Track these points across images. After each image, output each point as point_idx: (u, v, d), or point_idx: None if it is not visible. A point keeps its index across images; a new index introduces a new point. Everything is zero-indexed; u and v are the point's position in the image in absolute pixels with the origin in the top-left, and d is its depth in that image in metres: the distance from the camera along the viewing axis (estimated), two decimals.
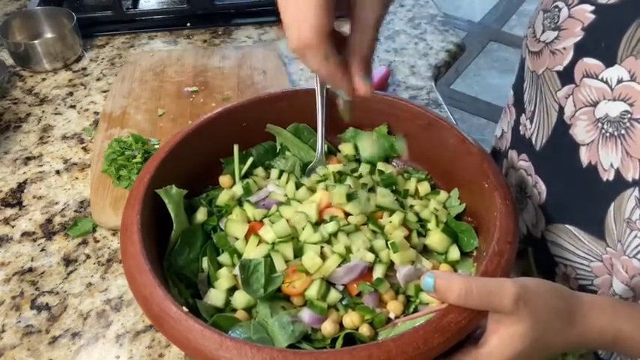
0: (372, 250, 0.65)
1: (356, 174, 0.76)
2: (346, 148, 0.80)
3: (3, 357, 0.70)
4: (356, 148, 0.80)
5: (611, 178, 0.61)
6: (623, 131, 0.59)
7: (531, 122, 0.72)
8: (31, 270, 0.80)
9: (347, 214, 0.68)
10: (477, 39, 3.20)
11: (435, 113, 0.75)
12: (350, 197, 0.68)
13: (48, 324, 0.73)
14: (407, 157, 0.79)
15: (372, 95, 0.56)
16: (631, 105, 0.58)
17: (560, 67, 0.64)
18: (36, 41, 1.12)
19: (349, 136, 0.81)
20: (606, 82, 0.60)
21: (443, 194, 0.74)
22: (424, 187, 0.75)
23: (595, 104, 0.61)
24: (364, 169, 0.77)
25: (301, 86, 1.08)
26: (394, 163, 0.80)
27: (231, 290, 0.64)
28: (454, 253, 0.68)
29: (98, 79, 1.13)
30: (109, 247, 0.82)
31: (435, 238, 0.68)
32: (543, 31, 0.67)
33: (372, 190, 0.73)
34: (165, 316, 0.54)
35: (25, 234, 0.84)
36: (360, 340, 0.59)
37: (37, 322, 0.74)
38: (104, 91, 1.10)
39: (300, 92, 0.80)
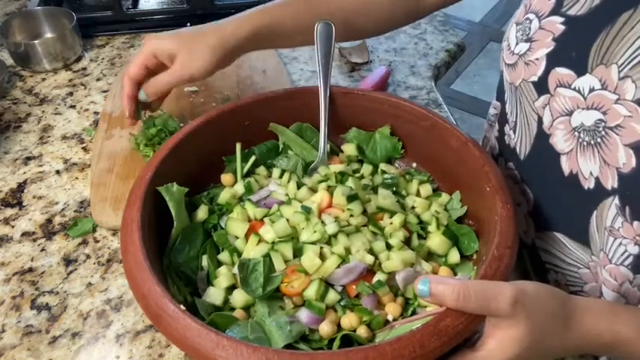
0: (371, 251, 0.65)
1: (358, 175, 0.76)
2: (348, 149, 0.80)
3: (3, 357, 0.70)
4: (359, 148, 0.80)
5: (591, 186, 0.62)
6: (599, 140, 0.59)
7: (514, 132, 0.72)
8: (31, 270, 0.80)
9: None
10: (477, 39, 3.20)
11: (437, 114, 0.75)
12: (351, 198, 0.68)
13: (48, 324, 0.73)
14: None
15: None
16: (604, 113, 0.58)
17: (535, 78, 0.65)
18: (36, 41, 1.12)
19: (352, 136, 0.81)
20: (579, 91, 0.60)
21: (444, 196, 0.74)
22: (426, 189, 0.75)
23: (570, 113, 0.62)
24: (366, 169, 0.77)
25: (301, 86, 1.08)
26: (396, 165, 0.80)
27: (230, 289, 0.64)
28: (454, 256, 0.68)
29: (98, 79, 1.13)
30: (109, 247, 0.82)
31: (436, 241, 0.68)
32: (517, 44, 0.68)
33: (373, 191, 0.73)
34: (163, 313, 0.54)
35: (25, 234, 0.84)
36: (358, 341, 0.59)
37: (37, 322, 0.74)
38: (104, 91, 1.10)
39: (303, 91, 0.80)
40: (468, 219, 0.72)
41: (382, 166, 0.78)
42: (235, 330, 0.58)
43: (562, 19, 0.63)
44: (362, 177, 0.76)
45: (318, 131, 0.78)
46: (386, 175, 0.76)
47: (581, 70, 0.60)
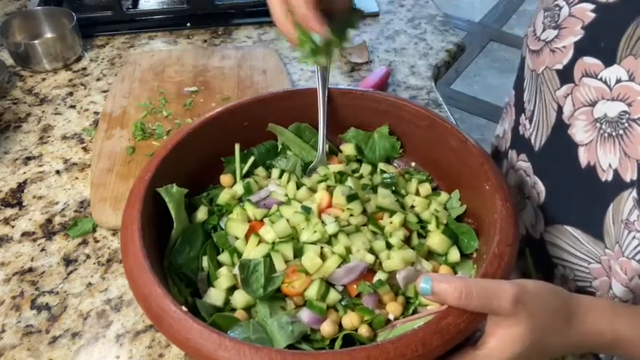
0: (371, 251, 0.65)
1: (357, 174, 0.76)
2: (347, 148, 0.80)
3: (3, 357, 0.70)
4: (357, 148, 0.80)
5: (609, 178, 0.61)
6: (621, 131, 0.59)
7: (530, 122, 0.71)
8: (31, 270, 0.80)
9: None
10: (477, 39, 3.20)
11: (436, 114, 0.75)
12: (351, 198, 0.68)
13: (48, 324, 0.73)
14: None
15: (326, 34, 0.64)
16: (629, 105, 0.58)
17: (559, 66, 0.64)
18: (36, 41, 1.12)
19: (350, 136, 0.81)
20: (605, 82, 0.60)
21: (444, 195, 0.74)
22: (425, 189, 0.75)
23: (594, 104, 0.61)
24: (365, 169, 0.77)
25: (302, 86, 1.08)
26: (395, 164, 0.80)
27: (231, 289, 0.64)
28: (454, 255, 0.68)
29: (98, 79, 1.13)
30: (109, 247, 0.82)
31: (436, 240, 0.68)
32: (544, 30, 0.67)
33: (373, 190, 0.73)
34: (165, 315, 0.54)
35: (25, 234, 0.84)
36: (359, 341, 0.59)
37: (37, 322, 0.74)
38: (104, 91, 1.10)
39: (301, 92, 0.80)
40: (468, 217, 0.72)
41: (381, 165, 0.78)
42: (237, 331, 0.58)
43: (593, 7, 0.61)
44: (361, 177, 0.76)
45: (317, 131, 0.78)
46: (385, 175, 0.76)
47: (609, 61, 0.59)
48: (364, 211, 0.69)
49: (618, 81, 0.58)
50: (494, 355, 0.52)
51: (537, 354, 0.53)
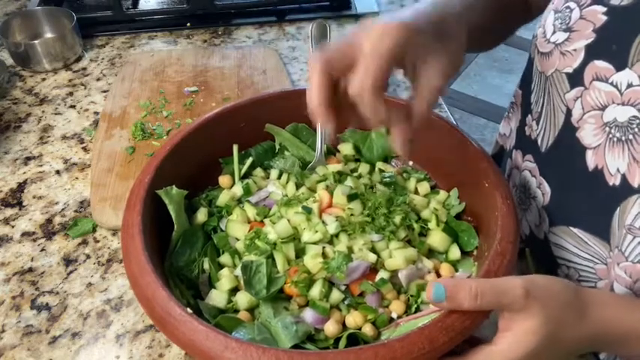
0: (373, 250, 0.65)
1: (355, 174, 0.76)
2: (345, 148, 0.80)
3: (3, 357, 0.70)
4: (355, 147, 0.80)
5: (617, 183, 0.61)
6: (630, 136, 0.58)
7: (537, 123, 0.71)
8: (31, 270, 0.79)
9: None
10: None
11: (435, 113, 0.75)
12: (351, 197, 0.68)
13: (48, 324, 0.73)
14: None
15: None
16: None
17: (569, 69, 0.63)
18: (36, 41, 1.11)
19: (348, 135, 0.81)
20: (616, 86, 0.59)
21: (442, 194, 0.74)
22: (424, 187, 0.75)
23: (603, 108, 0.61)
24: (364, 168, 0.77)
25: (301, 86, 1.08)
26: (393, 163, 0.80)
27: (233, 291, 0.64)
28: (455, 253, 0.68)
29: (98, 79, 1.13)
30: (109, 247, 0.82)
31: (436, 238, 0.68)
32: (554, 32, 0.66)
33: (372, 189, 0.73)
34: (169, 317, 0.54)
35: (25, 234, 0.84)
36: (363, 340, 0.59)
37: (37, 322, 0.73)
38: (104, 91, 1.09)
39: (299, 92, 0.80)
40: (467, 215, 0.72)
41: (379, 164, 0.78)
42: (241, 332, 0.58)
43: (604, 9, 0.61)
44: (360, 176, 0.76)
45: (314, 131, 0.78)
46: (385, 174, 0.76)
47: (620, 65, 0.59)
48: (364, 211, 0.69)
49: (629, 85, 0.58)
50: (510, 349, 0.51)
51: (552, 346, 0.52)
